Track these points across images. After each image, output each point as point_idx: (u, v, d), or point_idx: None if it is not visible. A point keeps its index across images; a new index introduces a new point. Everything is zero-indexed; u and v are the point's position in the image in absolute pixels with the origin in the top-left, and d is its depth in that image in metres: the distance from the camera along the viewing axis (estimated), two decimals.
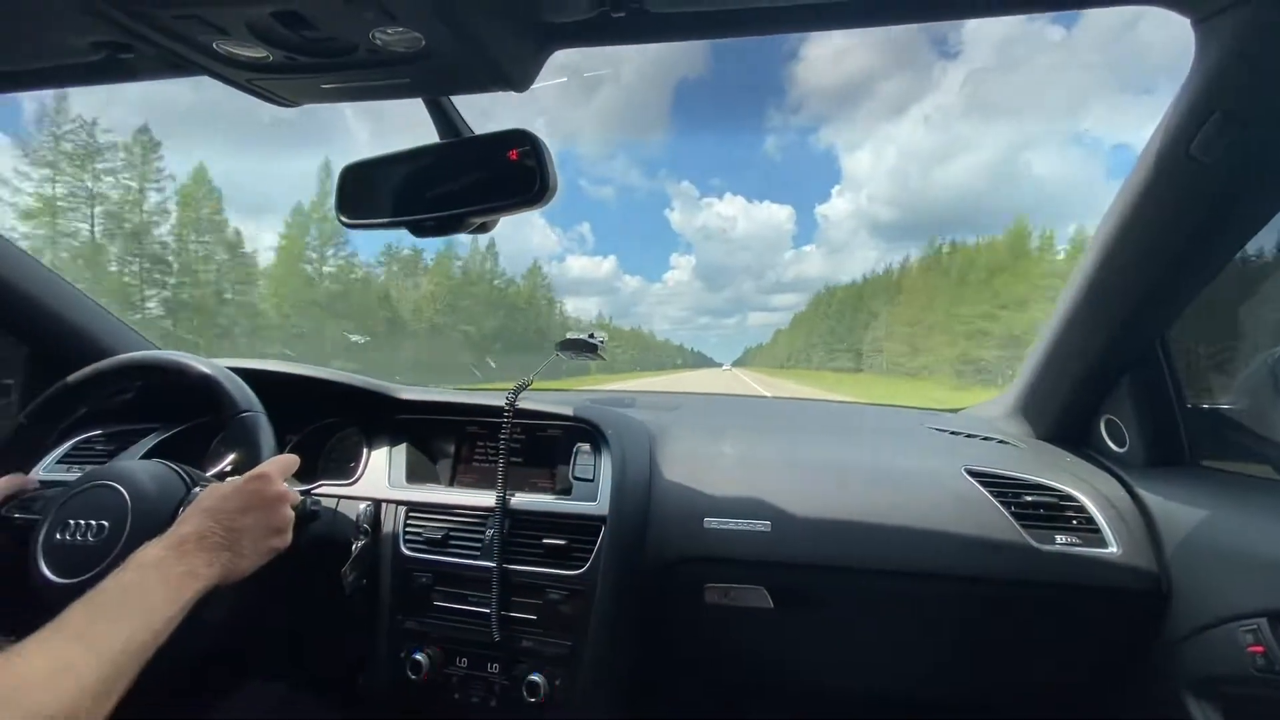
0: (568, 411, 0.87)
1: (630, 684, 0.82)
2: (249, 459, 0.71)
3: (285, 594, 0.77)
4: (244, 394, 0.73)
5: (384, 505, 0.84)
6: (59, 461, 0.94)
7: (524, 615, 0.76)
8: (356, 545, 0.80)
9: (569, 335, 1.00)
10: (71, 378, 0.76)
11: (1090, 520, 0.77)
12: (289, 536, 0.67)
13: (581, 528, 0.78)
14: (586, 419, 0.85)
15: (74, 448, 0.96)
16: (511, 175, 0.61)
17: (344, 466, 0.93)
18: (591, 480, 0.82)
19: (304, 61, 0.49)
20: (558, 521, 0.79)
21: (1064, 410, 0.90)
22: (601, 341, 0.99)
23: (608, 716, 0.76)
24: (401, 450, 0.90)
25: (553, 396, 0.94)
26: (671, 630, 0.84)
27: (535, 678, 0.75)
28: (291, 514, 0.67)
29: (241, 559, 0.61)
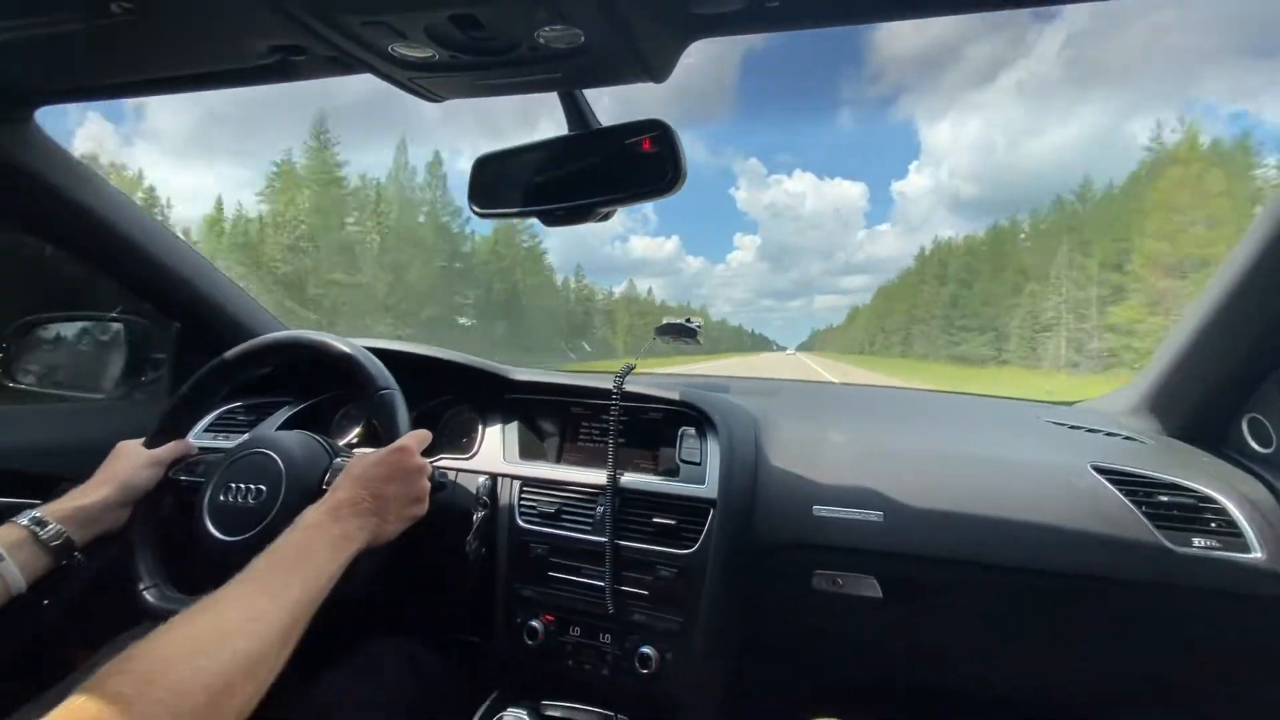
0: (674, 396, 0.89)
1: (738, 662, 0.84)
2: (388, 433, 0.76)
3: (417, 558, 0.83)
4: (383, 373, 0.79)
5: (499, 479, 0.89)
6: (205, 430, 1.04)
7: (636, 590, 0.79)
8: (477, 516, 0.85)
9: (667, 320, 1.02)
10: (229, 354, 0.84)
11: (1231, 523, 0.73)
12: (426, 505, 0.72)
13: (690, 509, 0.80)
14: (693, 404, 0.87)
15: (218, 418, 1.05)
16: (643, 164, 0.62)
17: (458, 442, 0.98)
18: (699, 464, 0.84)
19: (466, 60, 0.52)
20: (667, 502, 0.81)
21: (1201, 407, 0.85)
22: (699, 326, 1.01)
23: (715, 691, 0.79)
24: (514, 428, 0.95)
25: (651, 380, 0.96)
26: (779, 613, 0.85)
27: (647, 650, 0.78)
28: (428, 484, 0.72)
29: (387, 524, 0.66)
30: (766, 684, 0.93)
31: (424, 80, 0.56)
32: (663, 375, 1.18)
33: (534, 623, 0.82)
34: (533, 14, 0.44)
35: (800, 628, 0.87)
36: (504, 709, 0.79)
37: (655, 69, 0.54)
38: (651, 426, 0.92)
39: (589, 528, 0.83)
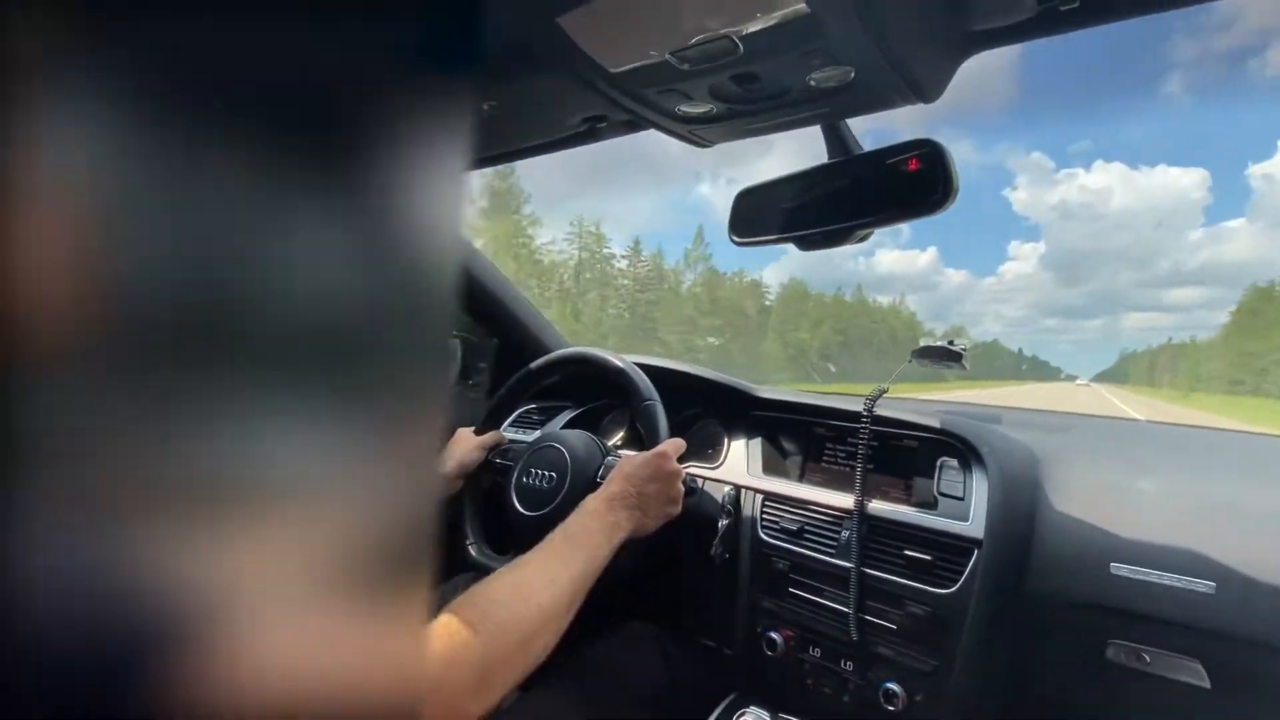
0: (933, 423, 0.83)
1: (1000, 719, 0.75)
2: (650, 439, 0.86)
3: (670, 555, 0.92)
4: (647, 385, 0.90)
5: (743, 491, 0.94)
6: (510, 425, 1.28)
7: (882, 622, 0.76)
8: (722, 523, 0.90)
9: (923, 343, 0.96)
10: (533, 365, 1.04)
11: None
12: (680, 506, 0.80)
13: (949, 546, 0.75)
14: (956, 433, 0.81)
15: (519, 416, 1.29)
16: (908, 184, 0.61)
17: (705, 452, 1.06)
18: (961, 499, 0.77)
19: (739, 109, 0.58)
20: (921, 535, 0.77)
21: None
22: (964, 349, 0.93)
23: None
24: (757, 443, 0.99)
25: (906, 405, 0.91)
26: (1060, 680, 0.74)
27: (893, 686, 0.74)
28: (682, 488, 0.80)
29: (648, 519, 0.75)
30: None
31: (700, 130, 0.64)
32: (919, 400, 1.10)
33: (774, 634, 0.84)
34: (808, 61, 0.48)
35: (1086, 701, 0.74)
36: (744, 707, 0.82)
37: (926, 90, 0.53)
38: (905, 454, 0.88)
39: (832, 550, 0.82)
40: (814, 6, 0.40)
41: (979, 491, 0.75)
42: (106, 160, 0.14)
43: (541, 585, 0.60)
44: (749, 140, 0.67)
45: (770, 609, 0.87)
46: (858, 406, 0.87)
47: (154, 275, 0.15)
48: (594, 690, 0.75)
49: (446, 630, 0.50)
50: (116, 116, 0.14)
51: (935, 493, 0.79)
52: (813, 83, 0.51)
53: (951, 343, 0.94)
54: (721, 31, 0.44)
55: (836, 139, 0.67)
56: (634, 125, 0.69)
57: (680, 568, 0.96)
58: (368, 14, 0.17)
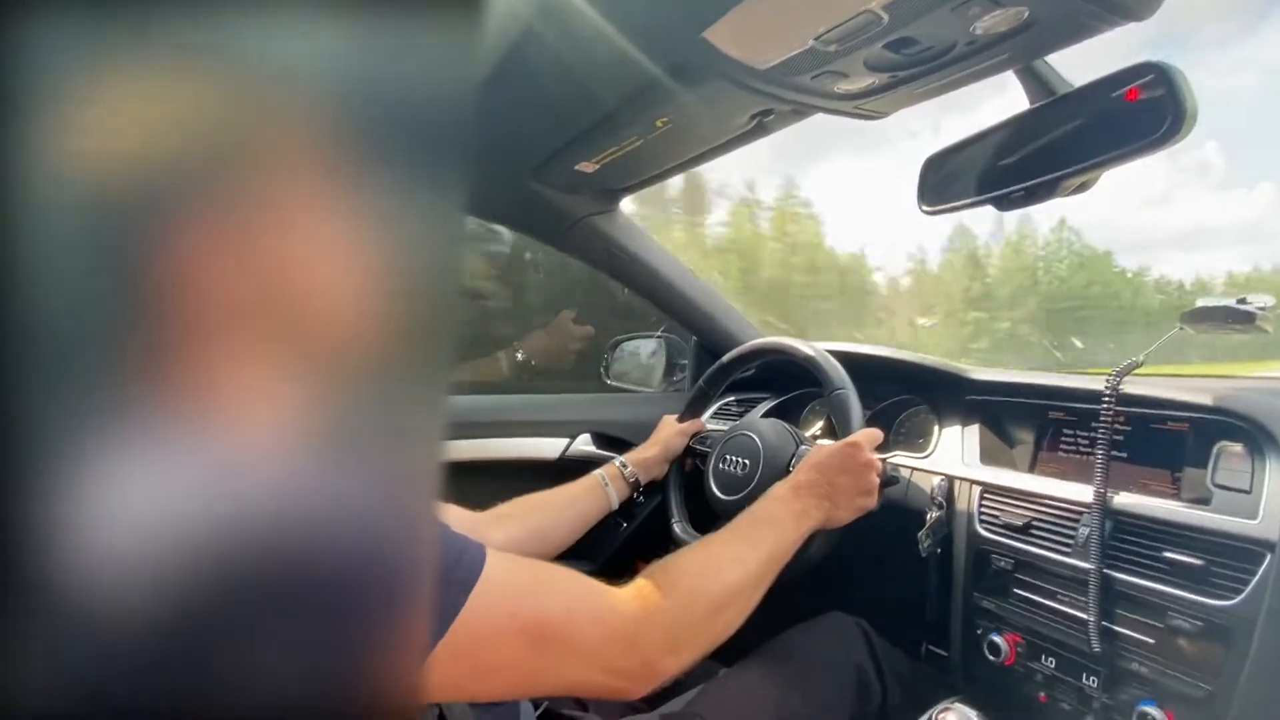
0: (1204, 400, 0.68)
1: None
2: (842, 429, 0.85)
3: (867, 547, 0.89)
4: (839, 373, 0.88)
5: (957, 482, 0.86)
6: (712, 416, 1.35)
7: (1135, 634, 0.65)
8: (931, 515, 0.85)
9: (1201, 303, 0.78)
10: (725, 358, 1.09)
11: None
12: (875, 499, 0.78)
13: (1228, 549, 0.61)
14: (1239, 411, 0.65)
15: (720, 407, 1.35)
16: (1129, 118, 0.52)
17: (914, 441, 1.00)
18: (1247, 491, 0.62)
19: (904, 75, 0.56)
20: (1188, 535, 0.64)
21: None
22: (1262, 309, 0.73)
23: None
24: (974, 431, 0.90)
25: (1176, 382, 0.75)
26: None
27: (1151, 710, 0.63)
28: (877, 480, 0.77)
29: (838, 510, 0.75)
30: None
31: (868, 104, 0.62)
32: (1192, 377, 0.89)
33: (996, 638, 0.76)
34: (965, 11, 0.45)
35: None
36: (960, 709, 0.76)
37: (1134, 8, 0.46)
38: (1171, 439, 0.72)
39: (1068, 549, 0.72)
40: None
41: (1274, 482, 0.60)
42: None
43: (728, 562, 0.64)
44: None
45: (991, 610, 0.79)
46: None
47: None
48: (794, 674, 0.76)
49: (640, 592, 0.56)
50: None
51: (1210, 484, 0.65)
52: (979, 31, 0.48)
53: (1243, 300, 0.75)
54: (859, 10, 0.44)
55: (1034, 80, 0.60)
56: (800, 113, 0.69)
57: (886, 562, 0.92)
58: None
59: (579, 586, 0.52)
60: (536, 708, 0.76)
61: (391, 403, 0.20)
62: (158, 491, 0.18)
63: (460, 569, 0.44)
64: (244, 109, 0.17)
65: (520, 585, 0.48)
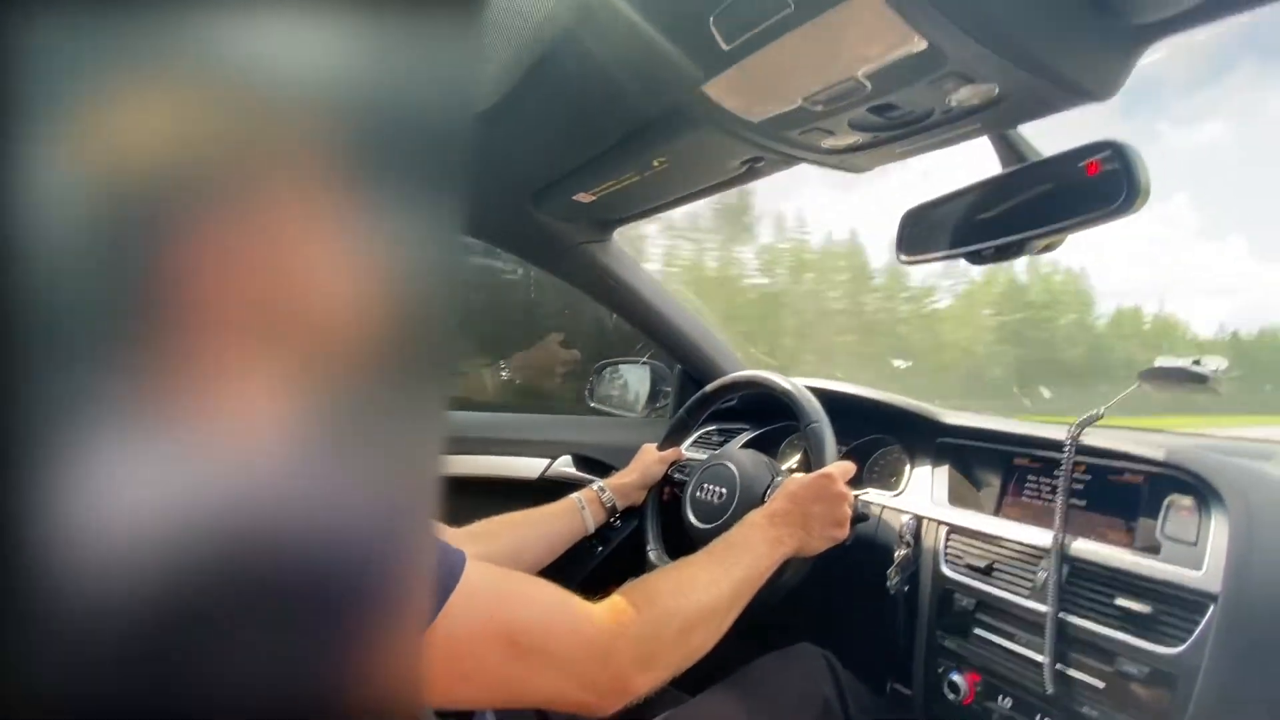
0: (1156, 455, 0.72)
1: None
2: (816, 460, 0.87)
3: (837, 582, 0.91)
4: (814, 407, 0.91)
5: (925, 521, 0.89)
6: (691, 444, 1.37)
7: (1086, 678, 0.67)
8: (899, 553, 0.87)
9: (1159, 363, 0.82)
10: (707, 388, 1.11)
11: None
12: (846, 530, 0.80)
13: (1175, 599, 0.64)
14: (1186, 467, 0.69)
15: (700, 436, 1.37)
16: (1089, 188, 0.57)
17: (886, 479, 1.02)
18: (1193, 544, 0.65)
19: (885, 136, 0.60)
20: (1137, 583, 0.67)
21: None
22: (1215, 371, 0.78)
23: None
24: (944, 472, 0.93)
25: (1135, 436, 0.79)
26: None
27: None
28: (849, 511, 0.80)
29: (811, 539, 0.77)
30: None
31: (850, 160, 0.67)
32: (1151, 430, 0.94)
33: (956, 676, 0.78)
34: (941, 86, 0.49)
35: None
36: None
37: (1095, 91, 0.50)
38: (1126, 491, 0.76)
39: (1026, 592, 0.74)
40: (932, 39, 0.42)
41: (1218, 536, 0.63)
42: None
43: (702, 584, 0.65)
44: None
45: (953, 649, 0.81)
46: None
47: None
48: (760, 704, 0.77)
49: (615, 607, 0.57)
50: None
51: (1160, 534, 0.68)
52: (953, 103, 0.52)
53: (1197, 362, 0.80)
54: (845, 77, 0.48)
55: (1006, 146, 0.64)
56: (787, 162, 0.73)
57: (856, 597, 0.94)
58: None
59: (556, 597, 0.53)
60: None
61: (387, 411, 0.20)
62: (156, 489, 0.18)
63: (439, 573, 0.45)
64: (249, 118, 0.18)
65: (498, 592, 0.49)
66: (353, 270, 0.19)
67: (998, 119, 0.56)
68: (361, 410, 0.20)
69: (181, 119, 0.18)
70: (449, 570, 0.45)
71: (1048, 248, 0.67)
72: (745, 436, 1.25)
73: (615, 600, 0.58)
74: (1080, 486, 0.77)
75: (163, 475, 0.19)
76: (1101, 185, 0.56)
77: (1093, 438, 0.77)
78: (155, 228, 0.17)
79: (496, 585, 0.49)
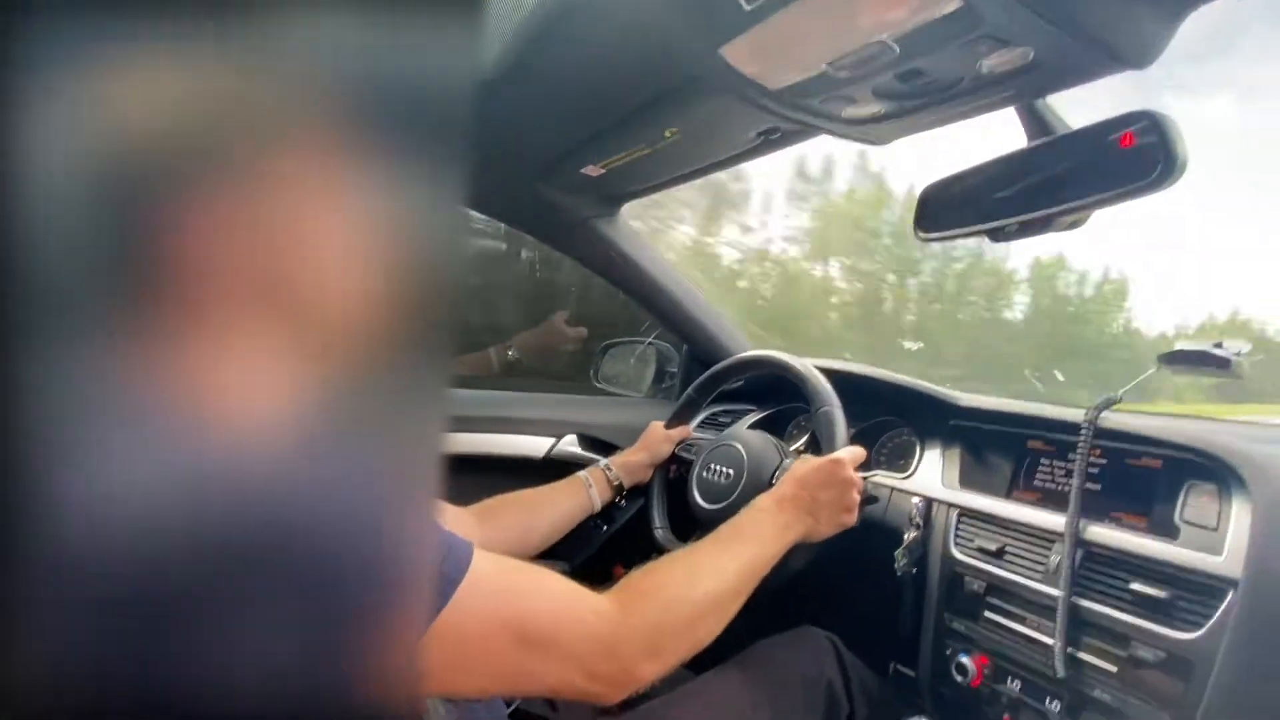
0: (1178, 439, 0.70)
1: None
2: (826, 445, 0.86)
3: (844, 564, 0.90)
4: (826, 390, 0.89)
5: (935, 504, 0.88)
6: (699, 425, 1.36)
7: (1098, 662, 0.67)
8: (908, 535, 0.86)
9: (1180, 346, 0.80)
10: (716, 368, 1.10)
11: None
12: (855, 516, 0.79)
13: (1193, 584, 0.63)
14: (1210, 452, 0.67)
15: (708, 416, 1.36)
16: (1122, 162, 0.55)
17: (895, 461, 1.01)
18: (1214, 529, 0.64)
19: (910, 105, 0.57)
20: (1154, 568, 0.66)
21: None
22: (1237, 354, 0.76)
23: None
24: (955, 454, 0.92)
25: (1152, 420, 0.77)
26: None
27: None
28: (858, 497, 0.79)
29: (819, 525, 0.76)
30: None
31: (871, 131, 0.64)
32: (1168, 416, 0.92)
33: (964, 659, 0.78)
34: (974, 49, 0.47)
35: None
36: None
37: (1133, 59, 0.48)
38: (1144, 475, 0.75)
39: (1039, 575, 0.73)
40: None
41: (1239, 522, 0.62)
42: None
43: (710, 572, 0.64)
44: None
45: (961, 631, 0.80)
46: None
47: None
48: (763, 685, 0.77)
49: (623, 597, 0.57)
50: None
51: (1178, 519, 0.67)
52: (985, 69, 0.49)
53: (1218, 345, 0.78)
54: (874, 39, 0.45)
55: (1034, 119, 0.62)
56: (805, 134, 0.71)
57: (861, 579, 0.94)
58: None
59: (563, 589, 0.53)
60: (507, 707, 0.76)
61: (390, 389, 0.20)
62: (158, 467, 0.18)
63: (447, 564, 0.44)
64: (251, 87, 0.18)
65: (506, 584, 0.49)
66: (355, 243, 0.19)
67: (1031, 87, 0.53)
68: (364, 385, 0.20)
69: (183, 88, 0.17)
70: (456, 562, 0.44)
71: (1074, 224, 0.65)
72: (752, 417, 1.23)
73: (623, 590, 0.58)
74: (1095, 470, 0.76)
75: (165, 452, 0.18)
76: (1136, 158, 0.53)
77: (1109, 421, 0.75)
78: (157, 198, 0.17)
79: (504, 576, 0.49)
